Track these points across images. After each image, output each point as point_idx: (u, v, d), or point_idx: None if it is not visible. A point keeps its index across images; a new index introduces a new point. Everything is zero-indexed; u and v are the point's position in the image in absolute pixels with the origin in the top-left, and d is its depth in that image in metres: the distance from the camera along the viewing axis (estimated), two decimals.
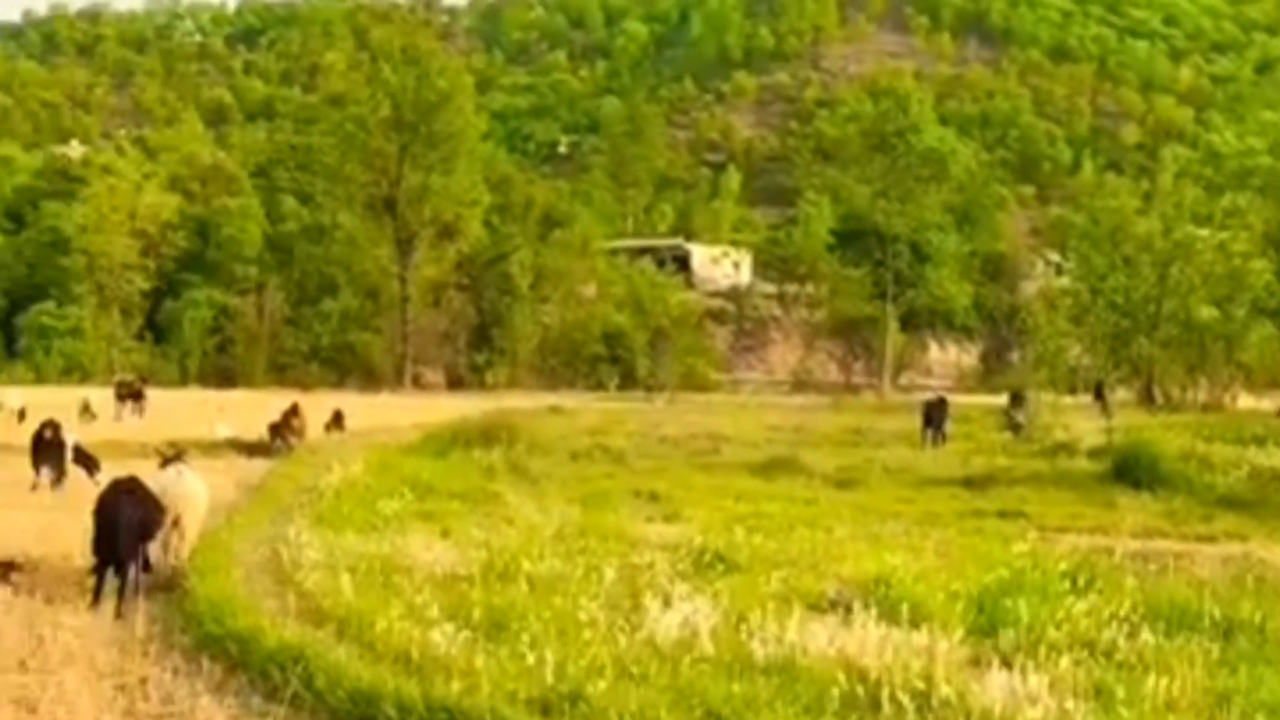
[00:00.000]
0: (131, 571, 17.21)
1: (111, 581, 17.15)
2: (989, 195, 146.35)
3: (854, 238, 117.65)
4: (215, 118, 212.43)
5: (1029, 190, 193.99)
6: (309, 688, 12.30)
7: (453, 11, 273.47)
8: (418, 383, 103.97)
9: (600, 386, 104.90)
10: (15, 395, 55.08)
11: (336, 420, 46.51)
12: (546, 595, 15.97)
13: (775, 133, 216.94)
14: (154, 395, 68.35)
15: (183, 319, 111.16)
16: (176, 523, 19.59)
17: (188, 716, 12.20)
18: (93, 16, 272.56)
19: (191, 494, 20.21)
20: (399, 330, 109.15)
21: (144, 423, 50.28)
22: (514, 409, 46.43)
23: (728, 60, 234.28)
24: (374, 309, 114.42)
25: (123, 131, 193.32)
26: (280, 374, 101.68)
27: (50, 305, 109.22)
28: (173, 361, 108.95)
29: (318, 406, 47.75)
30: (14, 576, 18.23)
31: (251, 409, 53.13)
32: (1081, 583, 17.33)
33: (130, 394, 57.69)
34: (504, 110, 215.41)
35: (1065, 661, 13.19)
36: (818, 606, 16.43)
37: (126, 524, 17.34)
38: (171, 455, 24.01)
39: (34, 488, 28.73)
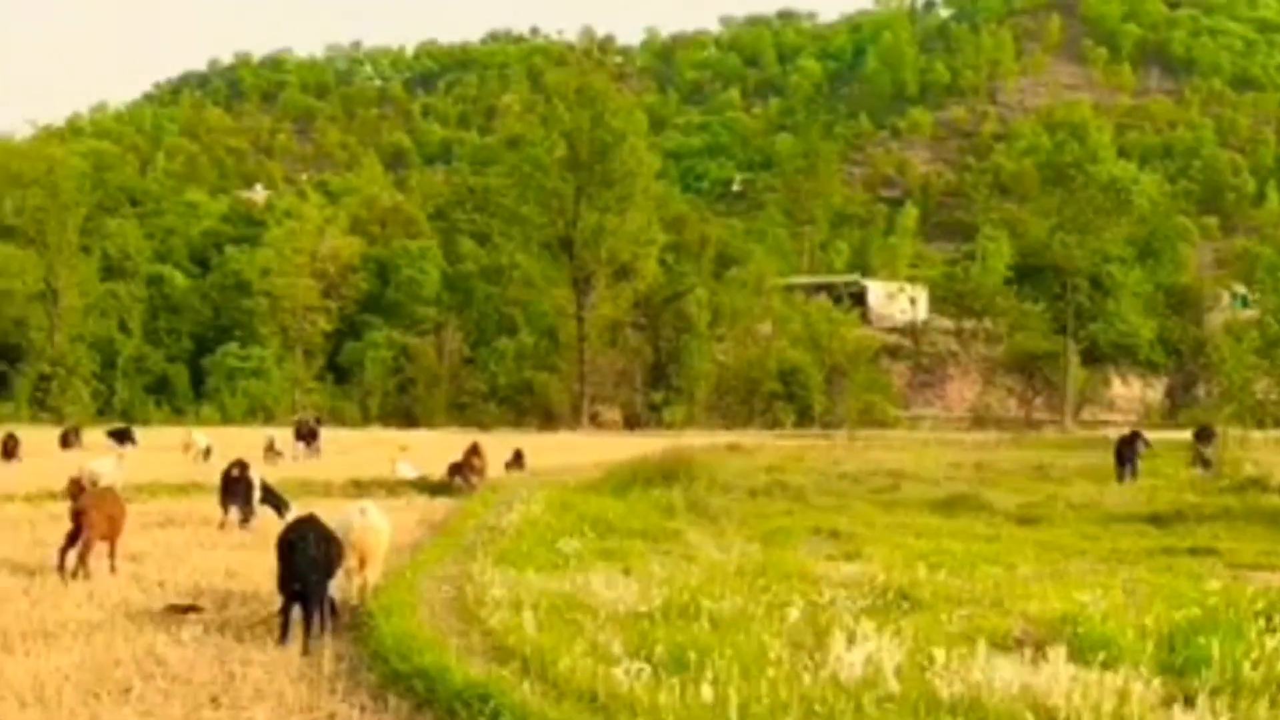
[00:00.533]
0: (317, 608, 17.38)
1: (298, 618, 17.34)
2: (1172, 227, 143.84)
3: (1033, 272, 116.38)
4: (394, 161, 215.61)
5: (1213, 221, 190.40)
6: None
7: (627, 52, 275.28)
8: (595, 421, 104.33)
9: (777, 424, 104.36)
10: (202, 435, 56.14)
11: (517, 459, 46.77)
12: (729, 633, 15.85)
13: (951, 167, 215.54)
14: (336, 435, 69.57)
15: (364, 359, 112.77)
16: (362, 558, 19.79)
17: None
18: (275, 64, 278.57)
19: (376, 529, 20.28)
20: (576, 369, 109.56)
21: (326, 461, 50.91)
22: (692, 447, 46.28)
23: (903, 95, 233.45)
24: (551, 348, 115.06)
25: (305, 176, 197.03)
26: (460, 413, 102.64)
27: (235, 347, 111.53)
28: (354, 401, 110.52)
29: (498, 446, 48.10)
30: (194, 616, 18.51)
31: (432, 448, 53.71)
32: (1277, 621, 16.83)
33: (306, 433, 58.52)
34: (678, 149, 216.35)
35: (1262, 704, 12.82)
36: (1003, 645, 16.15)
37: (310, 561, 17.51)
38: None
39: (221, 526, 29.15)
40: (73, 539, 22.31)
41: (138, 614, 18.61)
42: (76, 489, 28.78)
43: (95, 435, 65.91)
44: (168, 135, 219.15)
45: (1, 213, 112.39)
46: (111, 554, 23.05)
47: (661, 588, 19.04)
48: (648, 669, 13.30)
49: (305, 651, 16.62)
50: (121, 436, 62.38)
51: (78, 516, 22.58)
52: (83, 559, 22.14)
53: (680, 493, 34.19)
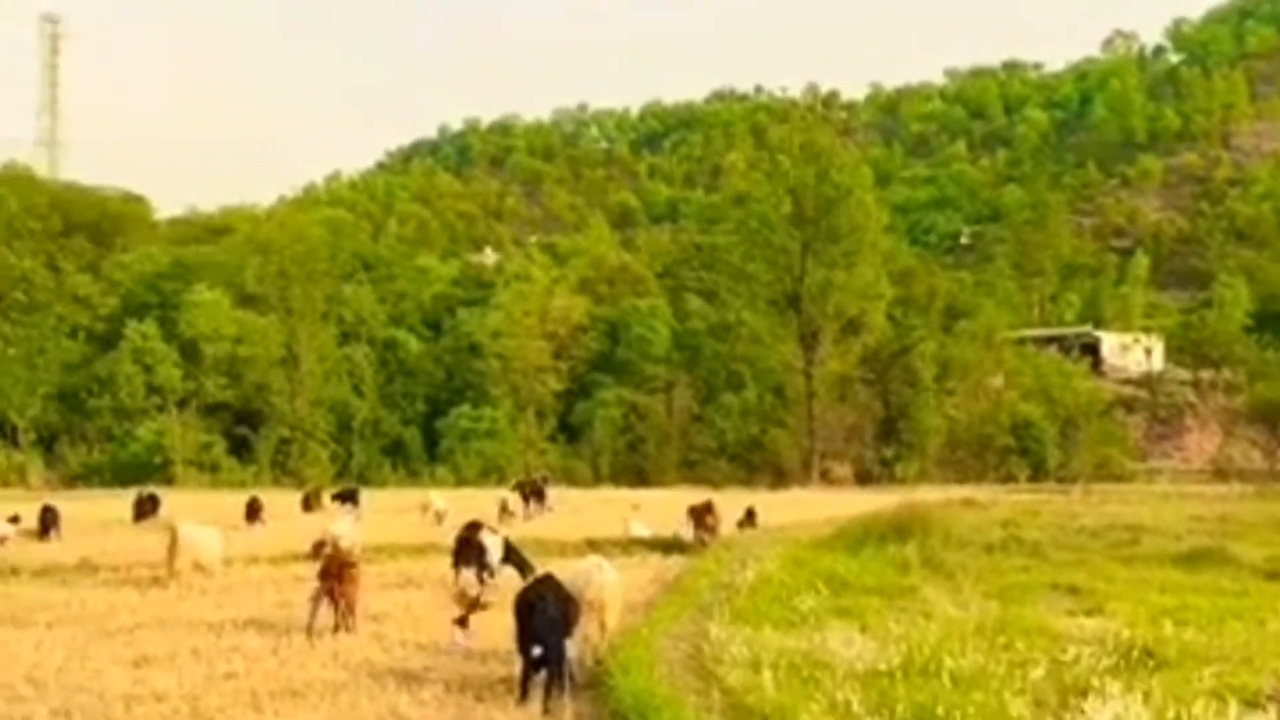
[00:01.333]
0: (557, 667, 17.49)
1: (537, 676, 17.48)
2: None
3: (1273, 319, 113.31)
4: (621, 221, 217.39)
5: None
6: None
7: (851, 106, 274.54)
8: (826, 477, 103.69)
9: (1011, 478, 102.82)
10: (439, 497, 56.94)
11: (749, 517, 46.75)
12: (970, 691, 15.65)
13: (1184, 214, 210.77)
14: (567, 494, 70.14)
15: (594, 418, 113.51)
16: (597, 615, 20.06)
17: None
18: (503, 129, 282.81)
19: (611, 585, 20.63)
20: (806, 425, 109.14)
21: (560, 521, 51.30)
22: (925, 502, 45.78)
23: (1132, 143, 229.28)
24: (780, 404, 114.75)
25: (533, 238, 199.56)
26: (690, 471, 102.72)
27: (468, 408, 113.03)
28: (585, 461, 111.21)
29: (729, 503, 48.01)
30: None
31: (664, 506, 53.84)
32: None
33: (532, 492, 58.99)
34: (905, 203, 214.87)
35: None
36: (1254, 703, 15.71)
37: (549, 621, 17.66)
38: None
39: (472, 598, 29.09)
40: (327, 598, 23.17)
41: (381, 673, 18.94)
42: (320, 551, 29.37)
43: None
44: (399, 201, 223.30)
45: (244, 280, 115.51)
46: (350, 613, 23.57)
47: (899, 645, 18.87)
48: None
49: (546, 711, 16.76)
50: (346, 498, 63.93)
51: (327, 577, 23.37)
52: (346, 616, 23.20)
53: (915, 549, 33.80)
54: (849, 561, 31.42)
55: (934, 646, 18.46)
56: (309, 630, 22.86)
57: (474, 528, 31.52)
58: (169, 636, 22.49)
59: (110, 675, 18.82)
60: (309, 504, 62.59)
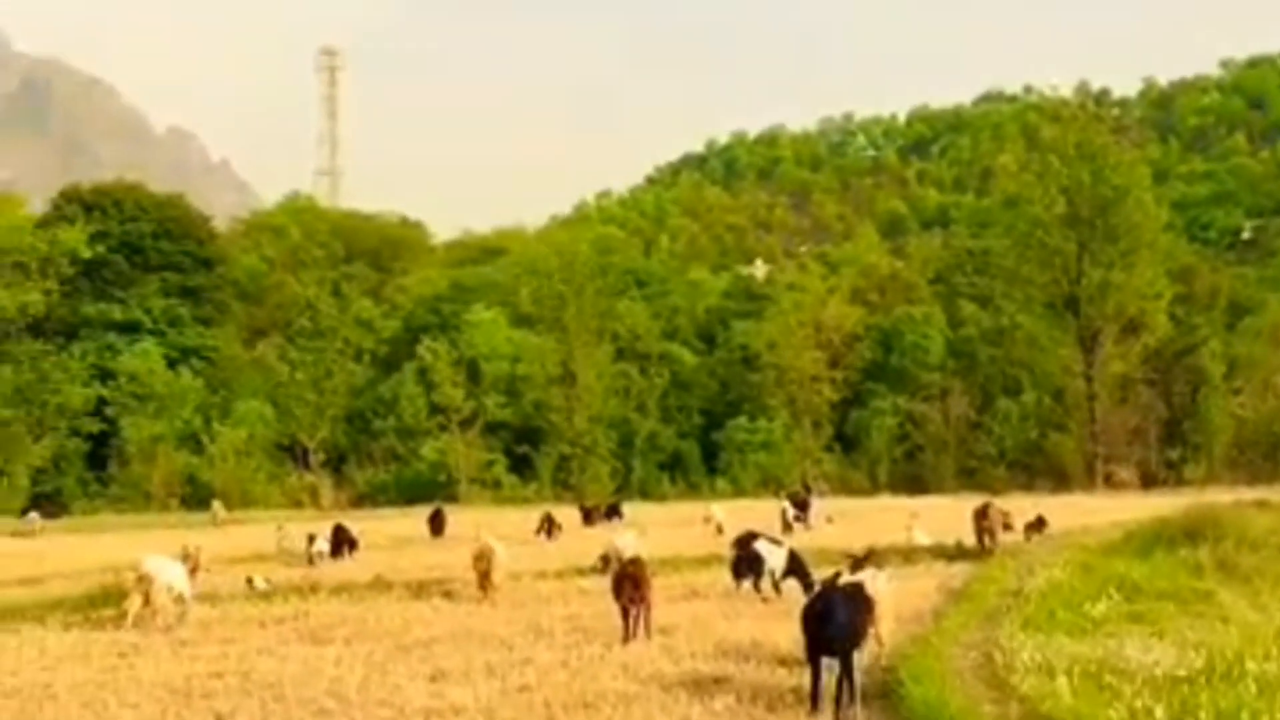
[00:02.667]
0: (847, 676, 17.44)
1: (829, 686, 17.45)
2: None
3: None
4: (891, 228, 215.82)
5: None
6: None
7: (1124, 103, 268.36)
8: (1109, 481, 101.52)
9: None
10: (720, 509, 57.23)
11: (1039, 524, 46.13)
12: (1276, 697, 15.17)
13: None
14: (845, 504, 69.90)
15: (870, 427, 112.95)
16: (873, 622, 20.11)
17: None
18: (770, 140, 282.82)
19: (883, 594, 20.84)
20: (1087, 429, 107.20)
21: (840, 530, 51.07)
22: (1216, 504, 44.42)
23: None
24: (1060, 408, 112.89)
25: (803, 248, 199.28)
26: (969, 478, 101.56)
27: (744, 420, 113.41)
28: (862, 470, 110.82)
29: (1009, 509, 47.28)
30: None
31: (944, 514, 53.31)
32: None
33: (799, 503, 58.79)
34: (1182, 199, 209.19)
35: None
36: None
37: (839, 629, 17.61)
38: (862, 558, 25.11)
39: (769, 600, 29.14)
40: (625, 611, 23.88)
41: (672, 685, 19.05)
42: (606, 565, 29.68)
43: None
44: (669, 216, 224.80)
45: (519, 300, 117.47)
46: (641, 622, 24.05)
47: (1198, 651, 18.40)
48: None
49: (838, 705, 16.75)
50: (611, 513, 64.98)
51: (620, 589, 24.12)
52: (645, 624, 23.93)
53: (1208, 552, 32.80)
54: (1140, 566, 30.62)
55: (1236, 652, 17.96)
56: (625, 641, 23.53)
57: (750, 539, 31.56)
58: (462, 651, 22.95)
59: (409, 689, 19.28)
60: (590, 518, 63.67)
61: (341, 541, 47.51)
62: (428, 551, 45.15)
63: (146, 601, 30.87)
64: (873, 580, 21.40)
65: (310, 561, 44.11)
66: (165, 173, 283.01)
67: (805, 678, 18.16)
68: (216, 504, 64.46)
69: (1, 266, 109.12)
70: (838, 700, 17.14)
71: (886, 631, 21.17)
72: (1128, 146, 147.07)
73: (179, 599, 28.80)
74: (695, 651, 22.05)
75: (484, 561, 32.66)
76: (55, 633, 27.50)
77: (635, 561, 26.21)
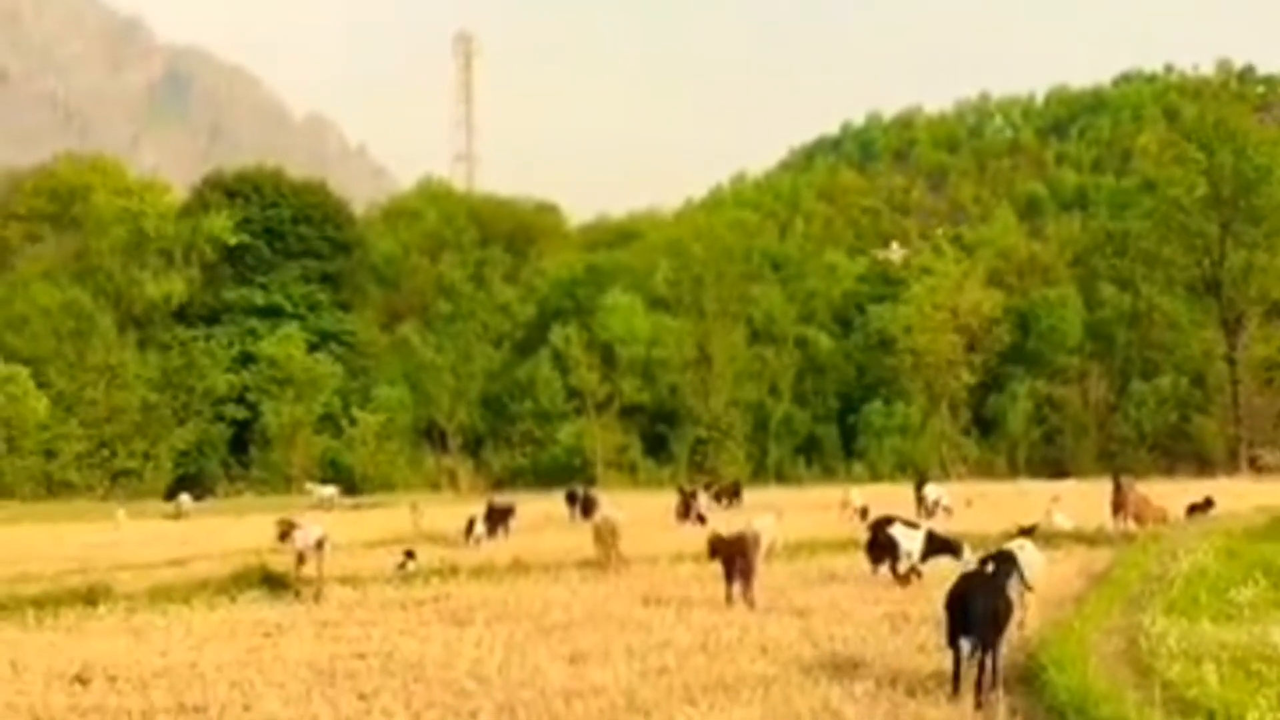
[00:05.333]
0: (991, 661, 17.39)
1: (970, 672, 17.34)
2: None
3: None
4: (1029, 210, 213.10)
5: None
6: None
7: (1269, 81, 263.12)
8: (1254, 465, 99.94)
9: None
10: (858, 494, 57.03)
11: (1206, 505, 46.27)
12: None
13: None
14: (984, 488, 69.45)
15: (1008, 411, 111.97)
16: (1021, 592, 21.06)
17: None
18: (906, 122, 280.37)
19: (1033, 564, 22.05)
20: (1230, 412, 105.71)
21: (979, 515, 50.61)
22: None
23: None
24: (1201, 392, 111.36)
25: (940, 231, 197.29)
26: (1109, 461, 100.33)
27: (880, 404, 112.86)
28: (1001, 454, 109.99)
29: (1153, 493, 46.70)
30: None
31: (1084, 498, 52.77)
32: None
33: (722, 493, 58.12)
34: None
35: None
36: None
37: (980, 614, 17.54)
38: (1028, 529, 25.53)
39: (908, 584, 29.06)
40: (729, 578, 26.56)
41: (811, 667, 19.05)
42: (717, 543, 29.78)
43: (752, 495, 68.59)
44: (804, 200, 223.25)
45: (655, 284, 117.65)
46: (746, 588, 26.25)
47: None
48: None
49: (978, 705, 16.63)
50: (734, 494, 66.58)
51: (725, 561, 26.95)
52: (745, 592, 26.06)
53: None
54: None
55: None
56: (728, 600, 26.16)
57: (885, 523, 31.46)
58: (601, 633, 23.08)
59: (549, 671, 19.41)
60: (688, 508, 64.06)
61: (497, 521, 48.72)
62: (565, 534, 45.35)
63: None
64: (1022, 551, 22.47)
65: (470, 543, 44.70)
66: (304, 159, 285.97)
67: (946, 662, 18.14)
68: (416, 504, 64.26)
69: (147, 253, 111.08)
70: (978, 685, 17.03)
71: (1033, 603, 22.26)
72: (1271, 125, 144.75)
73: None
74: (833, 635, 22.04)
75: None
76: (201, 613, 28.01)
77: (740, 536, 27.91)
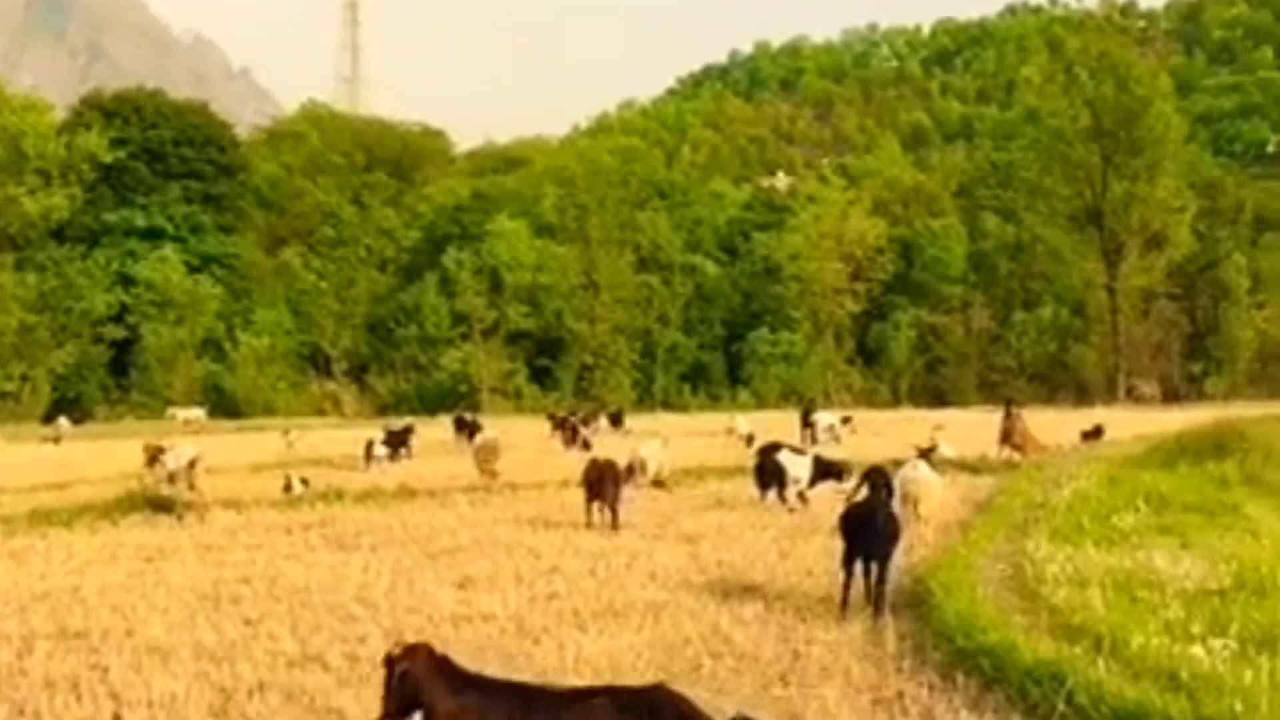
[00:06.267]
0: (883, 581, 17.68)
1: (858, 595, 17.52)
2: None
3: None
4: (914, 141, 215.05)
5: None
6: (1069, 704, 12.04)
7: (1150, 15, 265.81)
8: (1132, 395, 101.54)
9: None
10: (744, 421, 57.24)
11: (1096, 433, 48.20)
12: None
13: None
14: (868, 417, 69.89)
15: (891, 340, 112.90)
16: (915, 507, 22.82)
17: None
18: (793, 51, 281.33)
19: (925, 481, 23.54)
20: (1109, 343, 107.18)
21: (861, 443, 50.92)
22: (1242, 419, 44.24)
23: None
24: (1081, 322, 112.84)
25: (825, 160, 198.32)
26: (990, 391, 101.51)
27: (766, 332, 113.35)
28: (884, 383, 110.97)
29: (1033, 423, 47.22)
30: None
31: (966, 427, 53.37)
32: None
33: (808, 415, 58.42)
34: (1208, 112, 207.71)
35: None
36: None
37: (878, 535, 17.83)
38: (924, 451, 27.85)
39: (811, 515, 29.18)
40: (589, 501, 27.34)
41: (700, 593, 19.07)
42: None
43: (638, 422, 68.79)
44: (692, 128, 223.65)
45: (541, 210, 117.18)
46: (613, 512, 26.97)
47: (1229, 564, 18.33)
48: (1233, 646, 12.75)
49: (877, 612, 16.99)
50: (615, 421, 67.50)
51: (588, 485, 27.49)
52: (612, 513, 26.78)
53: (1235, 465, 32.70)
54: (1166, 478, 30.46)
55: (1267, 565, 17.89)
56: (587, 525, 26.88)
57: (773, 449, 31.56)
58: (489, 558, 22.98)
59: (437, 596, 19.30)
60: (617, 422, 64.97)
61: (397, 443, 48.72)
62: (452, 460, 45.14)
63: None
64: (915, 470, 24.06)
65: (367, 466, 44.68)
66: (187, 80, 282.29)
67: (836, 586, 18.31)
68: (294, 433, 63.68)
69: (25, 172, 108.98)
70: (877, 603, 17.28)
71: (932, 514, 23.86)
72: (1152, 59, 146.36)
73: None
74: (722, 560, 22.07)
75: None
76: (82, 537, 27.56)
77: (602, 461, 28.50)
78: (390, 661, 9.67)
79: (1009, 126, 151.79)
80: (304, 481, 36.12)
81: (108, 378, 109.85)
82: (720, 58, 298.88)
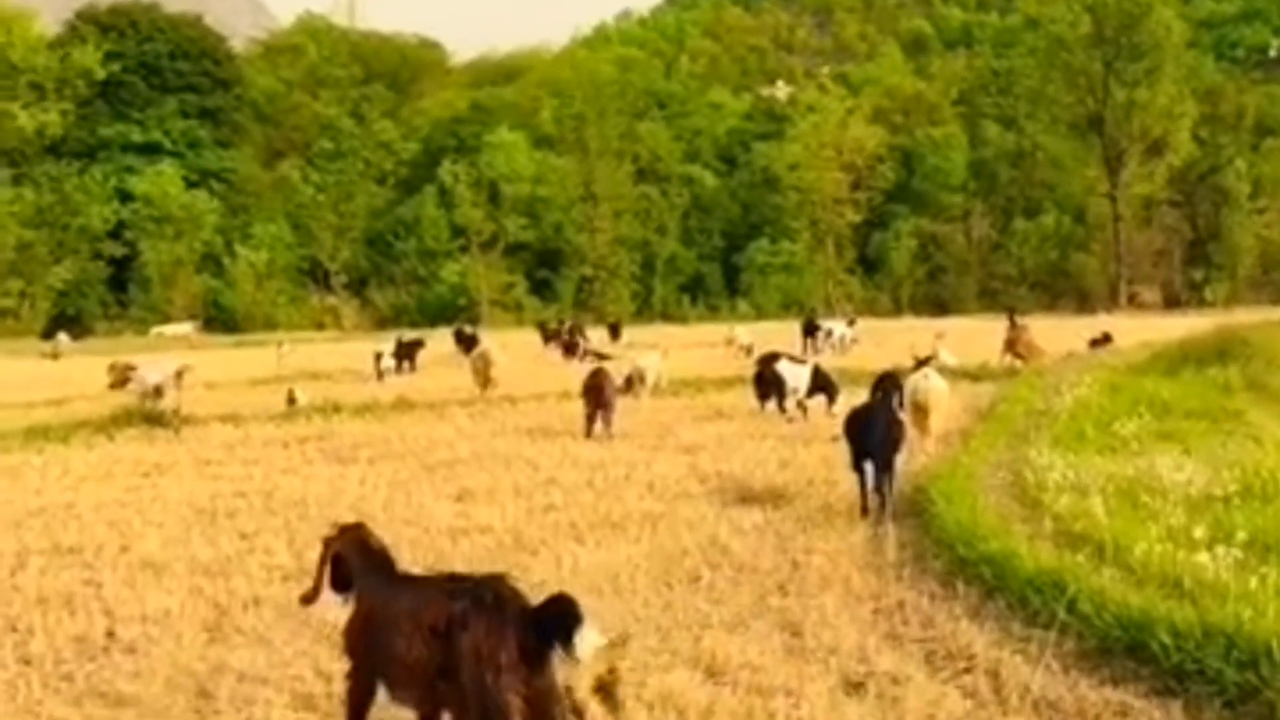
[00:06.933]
0: (888, 481, 17.87)
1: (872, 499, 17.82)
2: None
3: None
4: (915, 48, 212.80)
5: None
6: (1071, 612, 11.90)
7: None
8: (1134, 302, 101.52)
9: None
10: (744, 331, 57.10)
11: (1104, 339, 48.15)
12: None
13: None
14: (869, 325, 69.82)
15: (892, 249, 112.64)
16: (924, 415, 23.04)
17: (948, 640, 12.02)
18: None
19: (935, 389, 23.61)
20: (1111, 250, 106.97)
21: (864, 351, 50.87)
22: (1243, 324, 44.06)
23: None
24: (1082, 230, 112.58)
25: (825, 69, 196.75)
26: (991, 299, 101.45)
27: (765, 243, 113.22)
28: (885, 292, 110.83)
29: (1041, 330, 47.15)
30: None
31: (967, 335, 53.23)
32: None
33: (815, 328, 58.21)
34: (1209, 17, 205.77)
35: None
36: None
37: (878, 436, 17.95)
38: (923, 360, 25.91)
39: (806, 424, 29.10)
40: (590, 414, 27.28)
41: (698, 504, 18.93)
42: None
43: (637, 334, 68.65)
44: (690, 38, 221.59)
45: (539, 122, 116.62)
46: (606, 423, 27.17)
47: (1232, 470, 18.14)
48: (1236, 553, 12.58)
49: (881, 504, 17.50)
50: (613, 331, 67.32)
51: (585, 395, 27.64)
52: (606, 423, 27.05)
53: (1237, 371, 32.46)
54: (1168, 385, 30.29)
55: (1270, 470, 17.71)
56: (587, 435, 26.89)
57: (771, 359, 31.41)
58: (487, 471, 22.81)
59: (434, 509, 19.15)
60: (616, 333, 65.13)
61: (404, 355, 49.21)
62: (452, 372, 44.98)
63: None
64: (926, 379, 23.83)
65: (379, 377, 44.84)
66: None
67: (833, 496, 18.59)
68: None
69: (18, 86, 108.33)
70: (881, 506, 17.61)
71: (938, 422, 23.77)
72: None
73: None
74: (721, 471, 21.92)
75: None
76: (79, 452, 27.41)
77: (601, 372, 28.75)
78: (326, 542, 9.87)
79: (1010, 34, 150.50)
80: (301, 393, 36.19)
81: (107, 294, 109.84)
82: None
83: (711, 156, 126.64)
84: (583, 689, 9.71)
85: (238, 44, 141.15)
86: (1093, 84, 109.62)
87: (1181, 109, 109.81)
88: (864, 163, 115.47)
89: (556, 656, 8.40)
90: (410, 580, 9.50)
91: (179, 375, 36.22)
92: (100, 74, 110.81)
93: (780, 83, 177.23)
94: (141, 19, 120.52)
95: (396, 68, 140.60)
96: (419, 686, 8.74)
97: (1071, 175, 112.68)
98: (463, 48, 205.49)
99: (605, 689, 9.73)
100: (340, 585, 9.72)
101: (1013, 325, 42.82)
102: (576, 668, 9.13)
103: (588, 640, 8.28)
